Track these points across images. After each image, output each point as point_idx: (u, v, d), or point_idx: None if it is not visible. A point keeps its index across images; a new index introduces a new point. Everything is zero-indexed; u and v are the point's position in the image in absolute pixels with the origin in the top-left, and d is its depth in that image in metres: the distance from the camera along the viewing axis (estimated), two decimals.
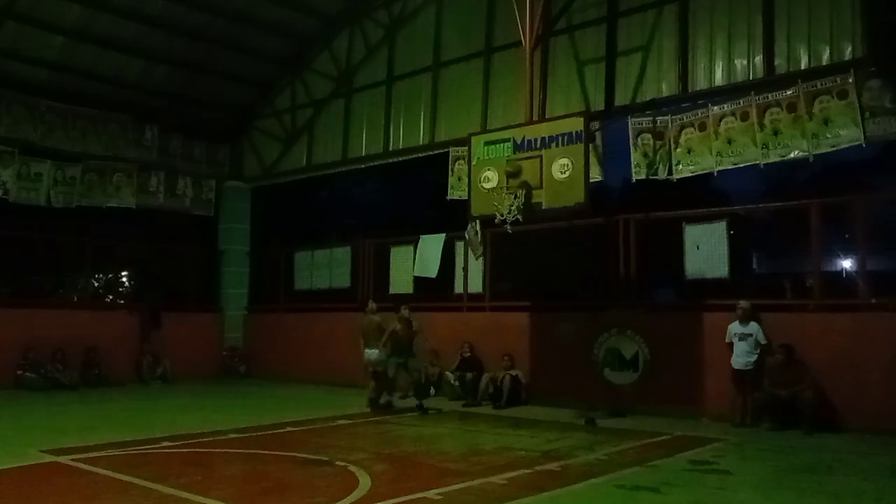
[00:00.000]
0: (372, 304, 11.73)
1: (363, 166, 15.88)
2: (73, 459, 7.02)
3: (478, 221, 11.77)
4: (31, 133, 14.24)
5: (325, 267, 16.08)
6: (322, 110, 16.41)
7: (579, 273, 13.87)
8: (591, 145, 10.15)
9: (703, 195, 15.67)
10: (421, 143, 14.50)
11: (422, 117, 14.51)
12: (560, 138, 9.79)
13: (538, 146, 9.98)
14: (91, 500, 5.70)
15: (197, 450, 7.80)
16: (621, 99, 11.78)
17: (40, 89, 14.42)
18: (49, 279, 16.85)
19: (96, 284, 19.44)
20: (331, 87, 16.13)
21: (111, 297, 19.07)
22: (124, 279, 20.03)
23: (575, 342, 11.49)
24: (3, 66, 13.72)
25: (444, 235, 13.82)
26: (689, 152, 11.00)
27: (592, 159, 10.52)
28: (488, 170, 10.48)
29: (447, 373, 12.50)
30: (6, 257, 15.11)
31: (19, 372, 13.49)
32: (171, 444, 7.93)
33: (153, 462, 7.02)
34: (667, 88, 11.40)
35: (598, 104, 11.89)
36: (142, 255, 17.48)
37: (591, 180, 9.93)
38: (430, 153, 14.36)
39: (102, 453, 7.25)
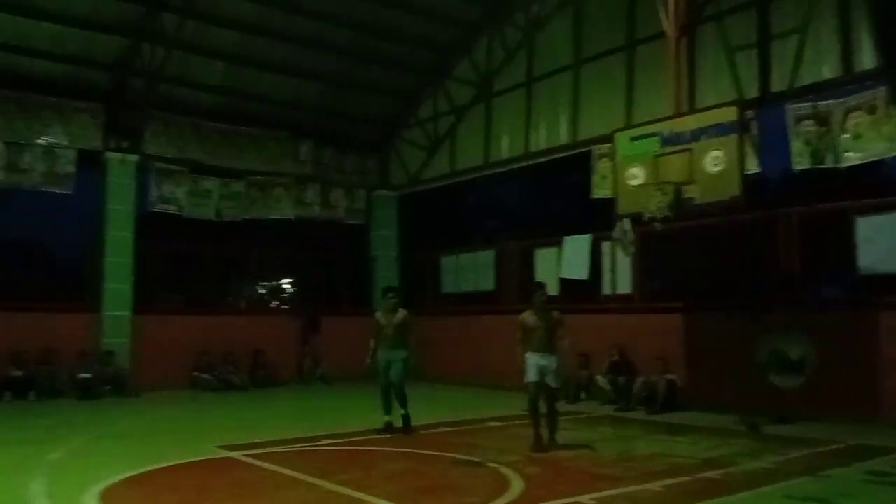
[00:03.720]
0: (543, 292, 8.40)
1: (505, 169, 15.92)
2: (244, 455, 7.53)
3: (627, 220, 11.46)
4: (199, 153, 15.49)
5: (471, 270, 16.27)
6: (463, 117, 16.67)
7: (737, 271, 13.14)
8: (745, 135, 9.62)
9: (874, 184, 14.36)
10: (563, 142, 14.35)
11: (563, 116, 14.36)
12: (711, 130, 9.38)
13: (688, 139, 9.60)
14: (261, 493, 6.09)
15: (356, 448, 8.12)
16: (777, 85, 11.04)
17: (205, 112, 15.63)
18: (219, 287, 18.21)
19: (261, 292, 20.83)
20: (471, 94, 16.34)
21: (275, 303, 20.31)
22: (286, 286, 21.26)
23: (734, 344, 10.89)
24: (173, 92, 15.00)
25: (590, 236, 13.58)
26: (857, 138, 10.12)
27: (747, 150, 9.95)
28: (634, 166, 10.21)
29: (597, 377, 12.26)
30: (181, 268, 16.57)
31: (195, 373, 14.70)
32: (332, 441, 8.31)
33: (316, 459, 7.38)
34: (828, 71, 10.56)
35: (752, 92, 11.22)
36: (300, 263, 18.50)
37: (746, 172, 9.40)
38: (573, 152, 14.16)
39: (270, 450, 7.72)
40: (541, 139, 14.88)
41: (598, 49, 13.71)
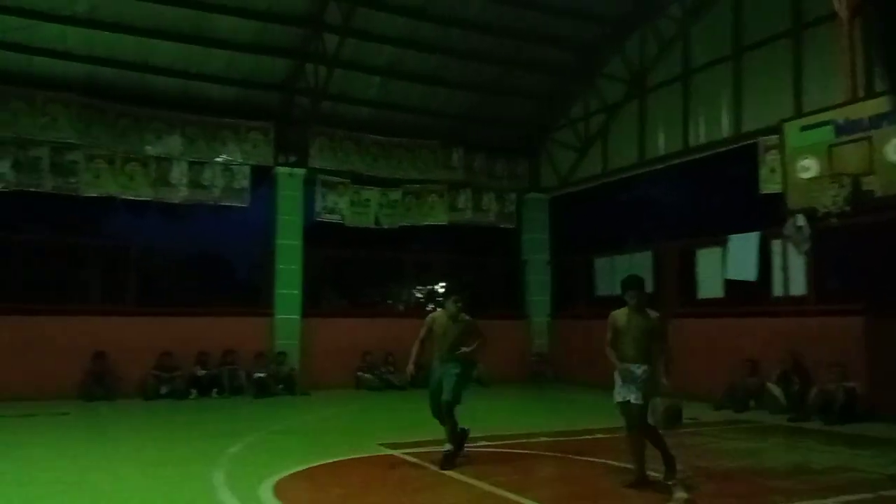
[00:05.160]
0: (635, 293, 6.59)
1: (662, 166, 15.35)
2: (404, 453, 7.79)
3: (800, 215, 10.68)
4: (359, 164, 16.29)
5: (626, 272, 15.74)
6: (615, 114, 16.28)
7: None
8: None
9: None
10: (725, 135, 13.63)
11: (724, 108, 13.65)
12: (894, 116, 8.52)
13: (866, 127, 8.80)
14: (419, 490, 6.28)
15: (511, 451, 8.14)
16: None
17: (364, 125, 16.40)
18: (379, 291, 19.00)
19: (418, 295, 21.47)
20: (623, 91, 15.92)
21: (431, 306, 20.87)
22: (441, 290, 21.77)
23: None
24: (334, 108, 15.85)
25: (757, 234, 12.78)
26: None
27: None
28: (806, 158, 9.50)
29: (768, 384, 11.50)
30: (345, 273, 17.47)
31: (359, 374, 15.41)
32: (487, 443, 8.40)
33: (473, 460, 7.46)
34: None
35: None
36: (454, 267, 18.89)
37: None
38: (737, 145, 13.40)
39: (429, 449, 7.92)
40: (700, 133, 14.22)
41: (760, 36, 12.90)
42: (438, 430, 7.32)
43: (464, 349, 7.29)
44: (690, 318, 13.79)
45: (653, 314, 6.37)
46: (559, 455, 7.85)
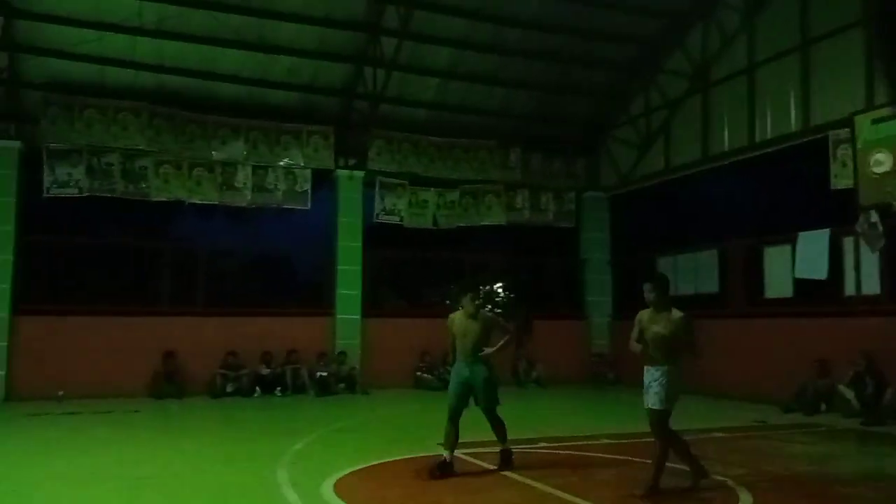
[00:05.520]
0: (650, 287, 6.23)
1: (726, 162, 14.97)
2: (463, 453, 7.79)
3: (873, 211, 10.27)
4: (417, 166, 16.40)
5: (691, 272, 15.51)
6: (677, 110, 15.96)
7: None
8: None
9: None
10: (793, 129, 13.21)
11: (792, 102, 13.23)
12: None
13: None
14: (479, 490, 6.29)
15: (571, 452, 8.07)
16: None
17: (422, 127, 16.51)
18: (437, 292, 19.04)
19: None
20: (685, 86, 15.59)
21: (489, 307, 20.83)
22: (499, 290, 21.71)
23: None
24: (393, 111, 16.00)
25: (827, 231, 12.33)
26: None
27: None
28: (880, 152, 9.16)
29: (840, 387, 11.09)
30: (403, 274, 17.59)
31: (417, 373, 15.52)
32: (547, 445, 8.35)
33: (532, 461, 7.43)
34: None
35: None
36: (512, 267, 18.80)
37: None
38: (805, 140, 12.96)
39: (488, 450, 7.91)
40: (767, 128, 13.81)
41: (829, 27, 12.44)
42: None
43: (486, 350, 6.96)
44: (758, 318, 13.44)
45: (676, 314, 6.04)
46: (621, 457, 7.73)
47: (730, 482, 6.35)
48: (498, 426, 7.06)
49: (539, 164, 17.65)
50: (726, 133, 14.75)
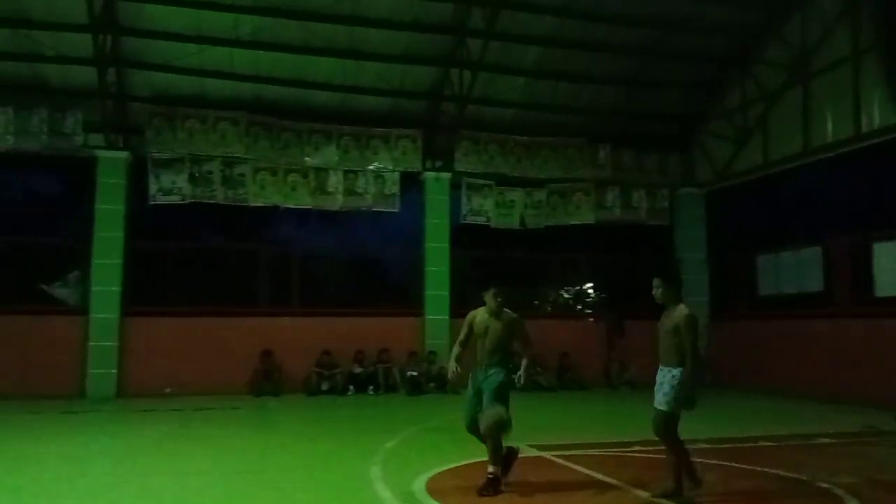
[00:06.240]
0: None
1: (831, 154, 14.23)
2: (555, 455, 7.74)
3: None
4: (503, 166, 16.36)
5: (793, 270, 14.83)
6: (776, 102, 15.30)
7: None
8: None
9: None
10: None
11: None
12: None
13: None
14: (573, 493, 6.21)
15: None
16: None
17: (508, 127, 16.46)
18: (525, 292, 18.94)
19: (566, 296, 21.21)
20: (783, 77, 14.92)
21: (579, 307, 20.55)
22: (589, 290, 21.40)
23: None
24: (479, 112, 16.03)
25: None
26: None
27: None
28: None
29: None
30: (490, 274, 17.53)
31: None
32: (642, 448, 8.15)
33: (626, 465, 7.29)
34: None
35: None
36: (603, 267, 18.49)
37: None
38: None
39: (581, 452, 7.83)
40: (875, 117, 13.06)
41: None
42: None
43: (520, 374, 6.55)
44: (866, 317, 12.72)
45: (681, 310, 5.76)
46: (720, 463, 7.47)
47: (838, 491, 6.03)
48: (494, 444, 6.23)
49: (630, 160, 17.28)
50: (829, 124, 14.03)
